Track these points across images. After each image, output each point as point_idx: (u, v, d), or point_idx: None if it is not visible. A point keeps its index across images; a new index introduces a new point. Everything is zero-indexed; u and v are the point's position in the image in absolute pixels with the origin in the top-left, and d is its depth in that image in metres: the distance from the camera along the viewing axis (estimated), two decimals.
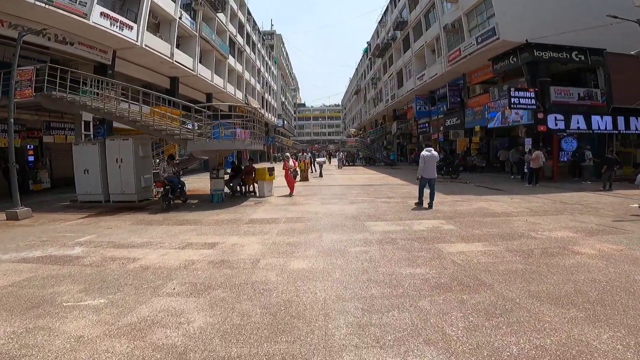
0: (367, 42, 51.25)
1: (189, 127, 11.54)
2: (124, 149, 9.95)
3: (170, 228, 7.22)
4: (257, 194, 11.86)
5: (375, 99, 46.26)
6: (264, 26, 62.60)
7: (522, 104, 14.97)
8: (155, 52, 18.34)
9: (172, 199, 9.75)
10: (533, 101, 14.94)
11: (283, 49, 69.79)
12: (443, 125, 25.14)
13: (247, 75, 37.67)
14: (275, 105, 57.93)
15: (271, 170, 11.57)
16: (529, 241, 5.62)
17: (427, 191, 9.00)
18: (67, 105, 10.97)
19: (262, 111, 45.40)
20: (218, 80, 27.90)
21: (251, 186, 12.30)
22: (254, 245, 5.68)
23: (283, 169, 12.15)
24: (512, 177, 16.97)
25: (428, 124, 28.72)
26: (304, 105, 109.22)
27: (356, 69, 64.85)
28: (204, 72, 25.10)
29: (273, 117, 55.31)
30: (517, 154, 16.58)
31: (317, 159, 21.00)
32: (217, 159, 10.92)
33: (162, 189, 9.03)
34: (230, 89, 31.20)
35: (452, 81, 23.32)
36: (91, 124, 11.93)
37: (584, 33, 15.83)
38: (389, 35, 36.46)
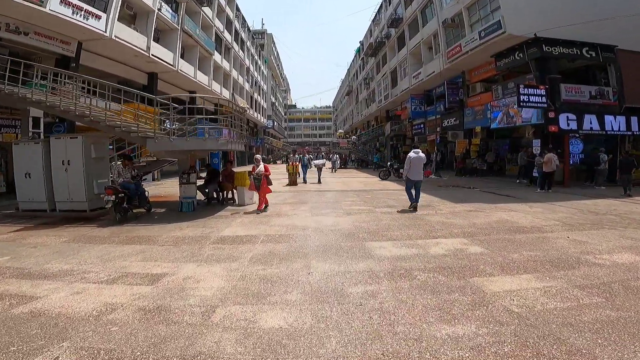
0: (360, 42, 50.07)
1: (167, 126, 10.11)
2: (72, 149, 8.23)
3: (112, 248, 5.55)
4: (237, 202, 10.22)
5: (367, 99, 44.99)
6: (255, 25, 61.03)
7: (532, 102, 13.64)
8: (129, 45, 16.56)
9: (129, 208, 8.06)
10: (544, 99, 13.63)
11: (274, 49, 68.15)
12: (440, 126, 23.81)
13: (234, 73, 35.94)
14: (265, 106, 56.21)
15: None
16: (593, 270, 4.14)
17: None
18: (18, 101, 9.20)
19: (251, 111, 43.75)
20: (202, 77, 26.13)
21: (230, 193, 10.66)
22: (215, 281, 4.07)
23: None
24: (518, 181, 15.66)
25: (424, 125, 27.41)
26: (294, 106, 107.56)
27: (348, 69, 63.63)
28: (186, 68, 23.33)
29: (262, 118, 53.59)
30: (525, 156, 15.26)
31: (315, 162, 17.71)
32: (188, 161, 9.26)
33: (113, 197, 7.32)
34: (216, 86, 29.44)
35: (450, 79, 22.03)
36: (42, 121, 10.14)
37: (595, 29, 14.71)
38: (383, 33, 35.28)
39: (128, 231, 6.90)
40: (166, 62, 20.02)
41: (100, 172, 8.75)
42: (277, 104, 71.19)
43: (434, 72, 23.29)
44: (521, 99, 13.56)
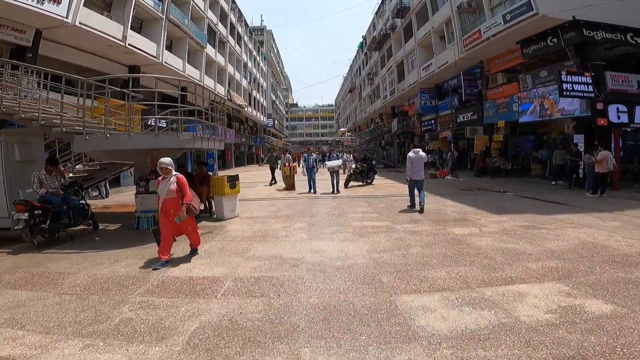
0: (362, 36, 47.94)
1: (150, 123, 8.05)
2: None
3: None
4: (215, 215, 7.99)
5: (371, 95, 42.73)
6: (254, 22, 58.87)
7: (577, 91, 11.38)
8: (99, 34, 14.40)
9: (56, 228, 5.86)
10: (590, 88, 11.36)
11: (274, 46, 65.95)
12: (454, 122, 21.52)
13: (230, 68, 33.77)
14: (264, 104, 54.02)
15: (234, 180, 7.70)
16: None
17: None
18: None
19: (249, 109, 41.61)
20: (193, 72, 23.97)
21: (207, 202, 8.44)
22: None
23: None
24: (554, 182, 13.34)
25: (434, 121, 25.11)
26: (296, 105, 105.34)
27: (350, 65, 61.45)
28: (173, 60, 21.18)
29: (262, 117, 51.42)
30: (564, 154, 12.95)
31: (329, 163, 12.67)
32: (150, 164, 7.05)
33: (25, 214, 5.13)
34: (209, 82, 27.27)
35: (467, 70, 19.73)
36: None
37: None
38: (388, 25, 33.08)
39: (38, 263, 4.76)
40: (147, 54, 17.84)
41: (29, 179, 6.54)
42: (277, 102, 68.99)
43: (447, 62, 21.05)
44: (564, 88, 11.31)
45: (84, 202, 6.76)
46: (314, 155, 12.79)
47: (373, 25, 41.55)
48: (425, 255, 4.73)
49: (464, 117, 20.12)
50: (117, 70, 17.68)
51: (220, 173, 28.97)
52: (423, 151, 8.82)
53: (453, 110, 21.46)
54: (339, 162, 12.80)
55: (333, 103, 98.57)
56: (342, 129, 50.54)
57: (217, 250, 5.36)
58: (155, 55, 18.73)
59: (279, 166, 15.45)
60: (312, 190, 11.98)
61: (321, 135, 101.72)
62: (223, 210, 7.58)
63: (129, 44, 16.25)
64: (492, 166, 17.46)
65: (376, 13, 39.75)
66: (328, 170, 12.63)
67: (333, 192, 11.86)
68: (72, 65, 15.34)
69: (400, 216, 7.63)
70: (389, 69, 34.03)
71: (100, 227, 7.29)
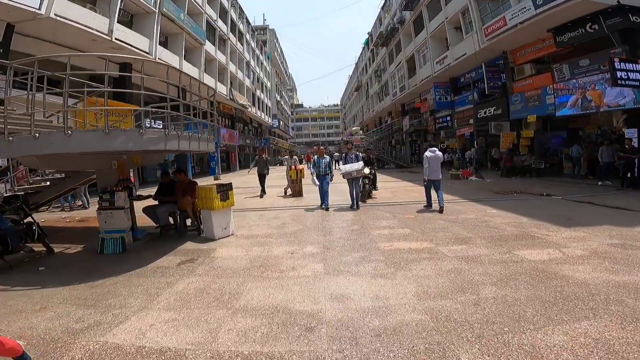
0: (368, 33, 46.25)
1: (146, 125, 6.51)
2: None
3: None
4: (204, 233, 6.37)
5: (379, 93, 41.01)
6: (256, 21, 57.39)
7: (633, 79, 9.67)
8: (80, 27, 12.98)
9: None
10: None
11: (277, 45, 64.54)
12: (474, 117, 19.73)
13: (232, 67, 32.33)
14: (269, 104, 52.59)
15: (225, 190, 6.06)
16: None
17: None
18: None
19: (253, 109, 40.17)
20: (190, 69, 22.51)
21: (193, 217, 6.82)
22: None
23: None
24: (600, 183, 11.54)
25: (451, 117, 23.35)
26: (301, 105, 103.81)
27: (356, 63, 59.69)
28: (168, 57, 19.72)
29: (267, 117, 49.98)
30: (610, 151, 11.17)
31: (345, 167, 8.61)
32: (117, 171, 5.47)
33: None
34: (210, 80, 25.83)
35: (489, 61, 17.97)
36: None
37: None
38: (396, 19, 31.41)
39: None
40: (137, 49, 16.36)
41: None
42: (282, 103, 67.52)
43: (465, 54, 19.36)
44: (617, 76, 9.62)
45: (30, 221, 5.20)
46: (327, 158, 9.16)
47: (379, 20, 39.94)
48: (510, 302, 3.08)
49: (486, 112, 18.33)
50: (107, 68, 16.21)
51: (224, 177, 27.63)
52: (439, 150, 8.54)
53: (472, 105, 19.67)
54: (359, 164, 8.40)
55: (339, 103, 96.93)
56: (355, 127, 48.33)
57: (194, 293, 3.74)
58: (147, 51, 17.28)
59: (268, 172, 12.44)
60: (324, 205, 8.79)
61: (327, 135, 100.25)
62: (213, 229, 5.97)
63: (115, 39, 14.80)
64: (521, 165, 15.71)
65: (382, 7, 38.14)
66: (344, 177, 8.57)
67: (352, 207, 8.57)
68: (57, 63, 13.93)
69: (440, 233, 5.94)
70: (398, 65, 32.34)
71: (59, 250, 5.74)
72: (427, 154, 8.15)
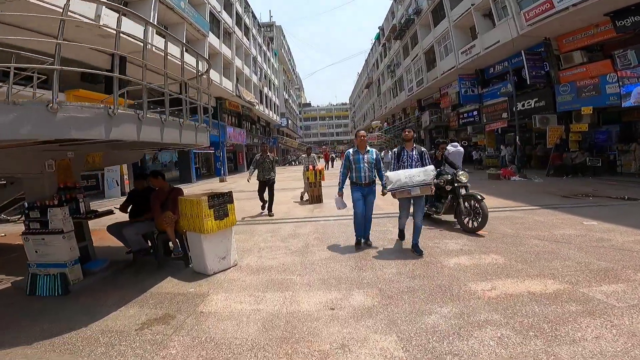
0: (379, 27, 44.26)
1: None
2: None
3: None
4: (190, 264, 4.42)
5: (393, 89, 38.90)
6: (262, 18, 55.56)
7: None
8: (57, 9, 11.14)
9: None
10: None
11: (284, 42, 62.63)
12: (508, 111, 17.61)
13: (238, 62, 30.47)
14: (277, 103, 50.71)
15: (222, 203, 4.09)
16: None
17: None
18: None
19: (261, 107, 38.34)
20: (191, 61, 20.64)
21: (177, 238, 4.85)
22: None
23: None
24: None
25: (478, 112, 21.16)
26: (309, 104, 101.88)
27: (366, 60, 57.62)
28: (168, 48, 17.83)
29: (275, 116, 48.11)
30: None
31: (395, 177, 4.53)
32: (55, 177, 3.54)
33: None
34: (214, 75, 24.00)
35: (528, 49, 15.84)
36: None
37: None
38: (411, 10, 29.45)
39: None
40: (131, 37, 14.50)
41: None
42: (290, 102, 65.66)
43: (498, 42, 17.26)
44: None
45: None
46: (372, 152, 5.00)
47: (391, 13, 37.97)
48: None
49: (525, 105, 16.15)
50: (100, 59, 14.47)
51: (230, 178, 25.77)
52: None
53: (505, 98, 17.52)
54: (428, 171, 4.47)
55: (347, 101, 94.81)
56: (376, 122, 45.67)
57: None
58: (141, 40, 15.43)
59: (274, 176, 8.21)
60: (364, 239, 5.16)
61: (336, 134, 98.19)
62: (205, 259, 4.04)
63: (103, 25, 12.98)
64: (572, 163, 13.55)
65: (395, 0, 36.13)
66: (396, 196, 4.62)
67: (416, 253, 4.58)
68: (41, 53, 12.21)
69: (555, 261, 3.89)
70: (414, 58, 30.26)
71: None
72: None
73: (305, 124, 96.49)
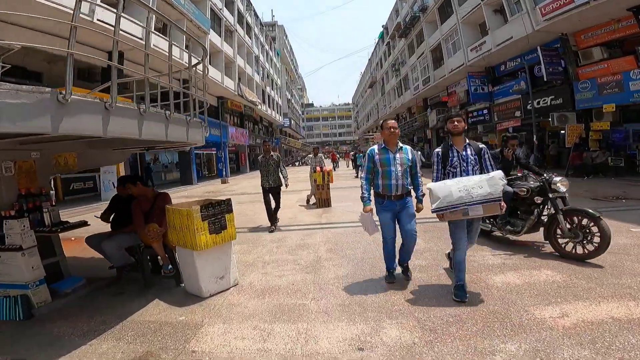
0: (382, 26, 43.60)
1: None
2: None
3: None
4: (182, 283, 3.74)
5: (398, 88, 38.19)
6: (264, 18, 54.97)
7: None
8: (49, 4, 10.59)
9: None
10: None
11: (286, 42, 62.04)
12: (522, 110, 16.89)
13: (240, 61, 29.87)
14: (280, 103, 50.09)
15: (220, 213, 3.42)
16: None
17: None
18: None
19: (263, 107, 37.73)
20: (194, 62, 20.03)
21: (165, 252, 4.15)
22: None
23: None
24: None
25: (489, 110, 20.44)
26: (312, 105, 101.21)
27: (369, 59, 56.89)
28: (166, 45, 17.20)
29: (278, 116, 47.51)
30: None
31: (446, 189, 3.06)
32: (20, 181, 2.88)
33: None
34: (216, 74, 23.45)
35: (544, 45, 15.14)
36: None
37: None
38: (416, 7, 28.83)
39: None
40: (128, 34, 13.93)
41: None
42: (293, 102, 65.04)
43: (511, 38, 16.56)
44: None
45: None
46: (407, 151, 3.62)
47: (395, 11, 37.38)
48: None
49: (540, 103, 15.42)
50: (98, 57, 13.83)
51: (233, 179, 25.12)
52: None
53: (520, 96, 16.80)
54: (496, 179, 3.01)
55: (350, 101, 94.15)
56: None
57: None
58: (140, 36, 14.85)
59: (286, 182, 6.90)
60: (394, 272, 3.78)
61: (339, 135, 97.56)
62: (199, 280, 3.37)
63: (98, 19, 12.39)
64: (591, 163, 12.81)
65: None
66: (446, 218, 3.14)
67: (458, 294, 3.17)
68: (40, 52, 11.69)
69: (622, 277, 3.19)
70: (420, 56, 29.62)
71: None
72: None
73: (308, 125, 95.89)
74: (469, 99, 21.77)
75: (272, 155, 6.82)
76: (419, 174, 3.62)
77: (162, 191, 4.06)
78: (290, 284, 3.79)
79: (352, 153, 29.11)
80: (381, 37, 45.48)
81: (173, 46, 4.52)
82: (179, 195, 15.25)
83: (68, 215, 9.42)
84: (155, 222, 3.66)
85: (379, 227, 3.58)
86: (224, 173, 25.96)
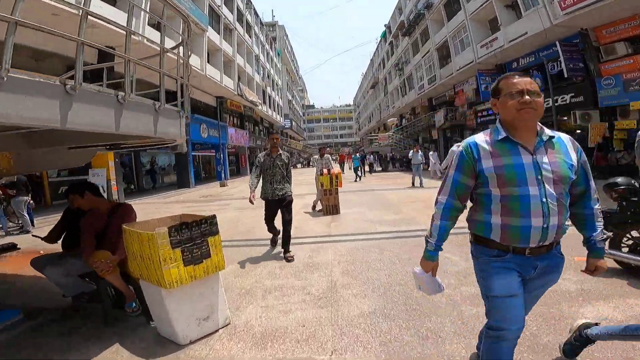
0: (385, 25, 42.77)
1: None
2: None
3: None
4: (155, 324, 2.80)
5: (401, 87, 37.37)
6: (264, 18, 54.26)
7: None
8: None
9: None
10: None
11: (287, 42, 61.34)
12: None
13: (240, 60, 29.08)
14: (280, 103, 49.31)
15: (198, 238, 2.51)
16: None
17: None
18: None
19: (264, 108, 36.92)
20: (192, 59, 19.22)
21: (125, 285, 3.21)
22: None
23: None
24: None
25: None
26: (313, 106, 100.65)
27: (371, 59, 56.05)
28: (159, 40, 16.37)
29: (279, 117, 46.69)
30: None
31: None
32: None
33: None
34: (214, 72, 22.64)
35: (563, 40, 14.32)
36: None
37: None
38: (421, 4, 28.08)
39: None
40: (119, 27, 13.05)
41: None
42: (294, 103, 64.28)
43: (525, 34, 15.75)
44: None
45: None
46: (568, 144, 1.58)
47: (398, 9, 36.57)
48: None
49: (558, 101, 14.54)
50: (89, 54, 13.00)
51: (232, 182, 24.22)
52: None
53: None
54: None
55: (351, 102, 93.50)
56: (392, 119, 43.07)
57: None
58: (133, 32, 13.98)
59: (290, 189, 5.07)
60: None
61: (340, 137, 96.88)
62: (172, 324, 2.44)
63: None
64: (617, 164, 11.99)
65: None
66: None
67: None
68: (28, 48, 10.95)
69: None
70: (425, 55, 28.83)
71: None
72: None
73: (309, 126, 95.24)
74: (477, 97, 20.91)
75: (280, 154, 4.91)
76: (595, 194, 1.64)
77: (121, 202, 3.15)
78: (299, 324, 2.86)
79: (358, 154, 28.04)
80: (383, 36, 44.71)
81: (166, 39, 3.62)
82: (173, 200, 14.34)
83: (54, 220, 8.52)
84: (110, 245, 2.73)
85: (443, 289, 1.82)
86: (223, 175, 25.12)
